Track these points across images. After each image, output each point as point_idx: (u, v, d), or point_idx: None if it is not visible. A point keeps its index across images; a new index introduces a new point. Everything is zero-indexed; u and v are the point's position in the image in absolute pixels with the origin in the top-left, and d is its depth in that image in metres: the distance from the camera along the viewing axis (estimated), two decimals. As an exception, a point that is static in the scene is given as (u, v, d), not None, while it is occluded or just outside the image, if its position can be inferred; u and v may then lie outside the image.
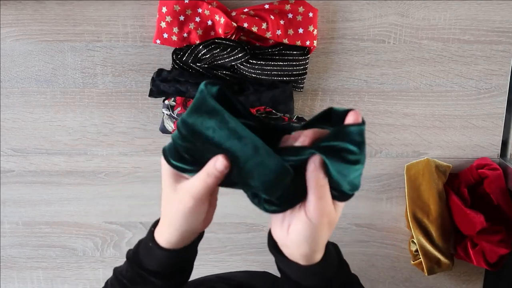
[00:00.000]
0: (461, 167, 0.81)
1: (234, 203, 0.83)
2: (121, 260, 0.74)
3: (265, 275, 0.72)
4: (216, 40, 0.71)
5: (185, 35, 0.72)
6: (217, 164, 0.41)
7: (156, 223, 0.52)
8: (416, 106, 0.79)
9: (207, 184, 0.43)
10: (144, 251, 0.51)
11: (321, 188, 0.41)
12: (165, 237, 0.49)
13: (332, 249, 0.49)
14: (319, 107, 0.79)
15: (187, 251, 0.50)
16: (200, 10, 0.71)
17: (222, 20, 0.70)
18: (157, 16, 0.72)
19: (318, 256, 0.46)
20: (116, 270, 0.55)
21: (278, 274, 0.73)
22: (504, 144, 0.81)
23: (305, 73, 0.74)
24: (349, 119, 0.40)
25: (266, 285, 0.66)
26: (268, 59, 0.73)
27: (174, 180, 0.46)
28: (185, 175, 0.46)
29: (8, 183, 0.83)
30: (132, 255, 0.53)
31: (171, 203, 0.47)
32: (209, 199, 0.47)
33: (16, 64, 0.77)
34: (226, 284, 0.63)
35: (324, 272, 0.46)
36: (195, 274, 0.70)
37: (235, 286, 0.63)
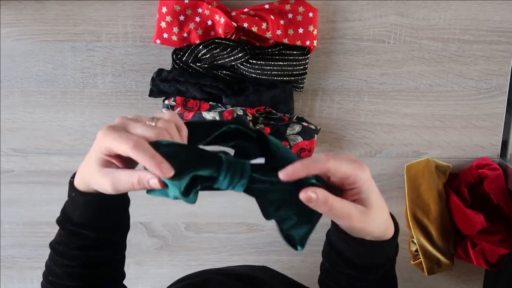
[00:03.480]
0: (461, 167, 0.81)
1: (234, 203, 0.83)
2: (121, 260, 0.74)
3: (264, 268, 0.72)
4: (216, 40, 0.71)
5: (185, 35, 0.72)
6: (151, 181, 0.41)
7: (74, 175, 0.52)
8: (416, 106, 0.79)
9: (132, 188, 0.43)
10: (70, 204, 0.52)
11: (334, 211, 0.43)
12: (82, 187, 0.50)
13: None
14: (319, 107, 0.79)
15: (110, 196, 0.50)
16: (200, 10, 0.71)
17: (222, 20, 0.70)
18: (157, 16, 0.72)
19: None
20: (50, 244, 0.55)
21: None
22: (504, 144, 0.81)
23: (305, 73, 0.74)
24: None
25: (266, 276, 0.66)
26: (268, 59, 0.73)
27: (103, 161, 0.46)
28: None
29: (8, 183, 0.82)
30: (61, 215, 0.53)
31: (91, 174, 0.47)
32: None
33: (16, 64, 0.77)
34: (223, 275, 0.63)
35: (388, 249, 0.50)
36: (195, 274, 0.70)
37: (233, 277, 0.63)
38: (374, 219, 0.45)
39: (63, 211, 0.53)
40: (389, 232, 0.48)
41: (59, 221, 0.54)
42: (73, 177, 0.52)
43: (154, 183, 0.41)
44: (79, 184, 0.50)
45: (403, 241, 0.85)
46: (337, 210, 0.43)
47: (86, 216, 0.51)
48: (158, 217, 0.84)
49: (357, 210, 0.44)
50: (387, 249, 0.49)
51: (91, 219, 0.51)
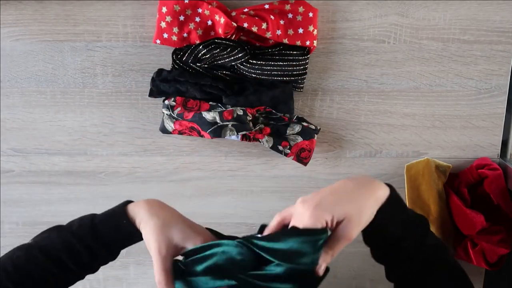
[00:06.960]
0: (461, 167, 0.81)
1: (234, 203, 0.82)
2: (120, 261, 0.74)
3: None
4: (216, 40, 0.71)
5: (185, 35, 0.72)
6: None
7: (127, 202, 0.57)
8: (416, 106, 0.79)
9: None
10: (109, 226, 0.55)
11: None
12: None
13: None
14: (319, 107, 0.79)
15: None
16: (200, 10, 0.71)
17: (222, 20, 0.70)
18: (157, 16, 0.72)
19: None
20: (41, 245, 0.58)
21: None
22: (504, 144, 0.81)
23: (305, 73, 0.74)
24: None
25: None
26: (268, 59, 0.73)
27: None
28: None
29: (8, 183, 0.82)
30: (88, 230, 0.56)
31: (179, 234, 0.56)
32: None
33: (16, 64, 0.77)
34: None
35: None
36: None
37: None
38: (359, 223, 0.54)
39: (93, 227, 0.55)
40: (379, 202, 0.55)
41: (80, 233, 0.55)
42: (126, 204, 0.57)
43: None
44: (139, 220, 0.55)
45: (403, 241, 0.85)
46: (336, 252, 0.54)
47: (116, 241, 0.55)
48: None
49: (344, 238, 0.53)
50: (385, 210, 0.55)
51: (117, 245, 0.55)
